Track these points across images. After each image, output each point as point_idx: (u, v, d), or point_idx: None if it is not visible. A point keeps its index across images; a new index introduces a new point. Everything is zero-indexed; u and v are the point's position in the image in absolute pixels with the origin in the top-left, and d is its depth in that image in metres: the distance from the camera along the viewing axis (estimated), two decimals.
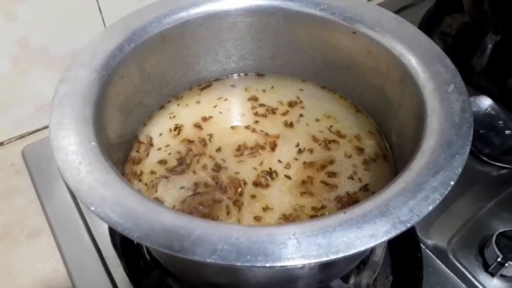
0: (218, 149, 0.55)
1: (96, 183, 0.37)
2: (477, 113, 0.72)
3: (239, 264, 0.32)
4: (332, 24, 0.54)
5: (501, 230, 0.55)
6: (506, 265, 0.53)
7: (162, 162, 0.53)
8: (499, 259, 0.53)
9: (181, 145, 0.55)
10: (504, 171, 0.67)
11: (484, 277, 0.55)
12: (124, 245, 0.56)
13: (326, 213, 0.48)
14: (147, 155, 0.54)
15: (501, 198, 0.63)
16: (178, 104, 0.60)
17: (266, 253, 0.32)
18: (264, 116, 0.59)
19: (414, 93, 0.46)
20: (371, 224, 0.34)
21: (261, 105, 0.60)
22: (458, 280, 0.55)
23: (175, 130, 0.57)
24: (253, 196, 0.50)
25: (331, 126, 0.57)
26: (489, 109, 0.72)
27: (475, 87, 0.76)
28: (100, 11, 0.68)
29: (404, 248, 0.56)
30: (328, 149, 0.55)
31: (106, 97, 0.47)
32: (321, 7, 0.54)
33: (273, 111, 0.59)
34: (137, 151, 0.55)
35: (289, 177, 0.52)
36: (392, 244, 0.57)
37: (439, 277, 0.55)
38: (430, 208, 0.35)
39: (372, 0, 0.96)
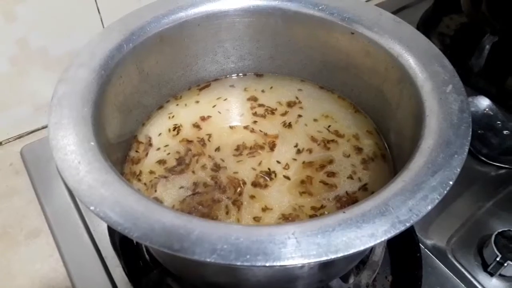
0: (217, 149, 0.55)
1: (95, 182, 0.37)
2: (475, 114, 0.72)
3: (238, 263, 0.32)
4: (331, 25, 0.54)
5: (500, 230, 0.55)
6: (505, 264, 0.53)
7: (161, 162, 0.53)
8: (498, 259, 0.53)
9: (180, 145, 0.55)
10: (503, 171, 0.67)
11: (483, 277, 0.55)
12: (124, 244, 0.56)
13: (326, 212, 0.48)
14: (146, 155, 0.54)
15: (500, 198, 0.63)
16: (177, 104, 0.60)
17: (266, 253, 0.32)
18: (263, 116, 0.59)
19: (412, 93, 0.47)
20: (370, 223, 0.34)
21: (260, 105, 0.60)
22: (457, 280, 0.55)
23: (174, 130, 0.57)
24: (252, 197, 0.50)
25: (329, 126, 0.57)
26: (487, 109, 0.73)
27: (473, 87, 0.76)
28: (99, 12, 0.68)
29: (403, 248, 0.56)
30: (327, 149, 0.55)
31: (105, 97, 0.47)
32: (320, 7, 0.54)
33: (272, 111, 0.59)
34: (136, 151, 0.55)
35: (288, 178, 0.52)
36: (392, 244, 0.57)
37: (438, 277, 0.55)
38: (429, 207, 0.35)
39: (370, 0, 0.96)
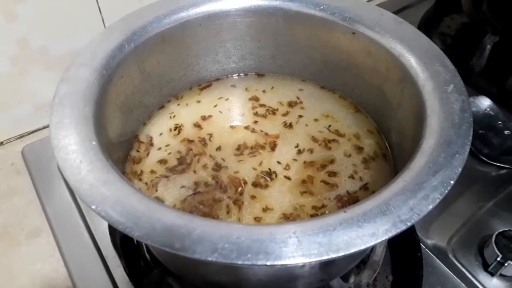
0: (218, 148, 0.55)
1: (96, 182, 0.37)
2: (476, 114, 0.72)
3: (240, 262, 0.32)
4: (332, 25, 0.54)
5: (500, 230, 0.55)
6: (506, 264, 0.53)
7: (162, 161, 0.53)
8: (498, 259, 0.54)
9: (181, 144, 0.55)
10: (503, 171, 0.67)
11: (483, 277, 0.55)
12: (124, 244, 0.56)
13: (327, 212, 0.48)
14: (147, 154, 0.54)
15: (501, 198, 0.63)
16: (178, 104, 0.60)
17: (267, 252, 0.32)
18: (264, 116, 0.59)
19: (413, 93, 0.47)
20: (371, 223, 0.34)
21: (262, 105, 0.60)
22: (458, 280, 0.55)
23: (175, 129, 0.57)
24: (253, 197, 0.50)
25: (329, 126, 0.57)
26: (488, 109, 0.73)
27: (474, 87, 0.76)
28: (100, 11, 0.68)
29: (404, 248, 0.56)
30: (328, 149, 0.55)
31: (106, 96, 0.47)
32: (321, 7, 0.54)
33: (273, 111, 0.59)
34: (137, 151, 0.55)
35: (288, 178, 0.52)
36: (392, 244, 0.57)
37: (439, 276, 0.55)
38: (430, 207, 0.35)
39: (372, 0, 0.96)
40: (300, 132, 0.57)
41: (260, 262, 0.32)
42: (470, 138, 0.40)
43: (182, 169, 0.53)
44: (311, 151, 0.55)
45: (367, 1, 0.89)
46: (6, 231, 0.62)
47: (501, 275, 0.55)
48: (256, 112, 0.59)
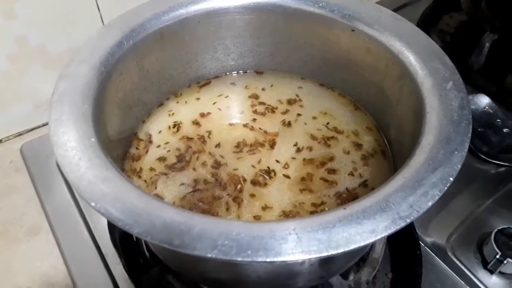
0: (217, 145, 0.55)
1: (96, 179, 0.37)
2: (475, 111, 0.72)
3: (239, 259, 0.32)
4: (331, 22, 0.54)
5: (499, 228, 0.56)
6: (505, 262, 0.53)
7: (162, 159, 0.53)
8: (497, 256, 0.54)
9: (180, 142, 0.55)
10: (502, 169, 0.67)
11: (483, 274, 0.55)
12: (124, 242, 0.56)
13: (326, 209, 0.48)
14: (147, 152, 0.54)
15: (499, 195, 0.64)
16: (177, 102, 0.60)
17: (267, 248, 0.32)
18: (263, 114, 0.59)
19: (412, 90, 0.47)
20: (371, 219, 0.34)
21: (261, 103, 0.60)
22: (457, 277, 0.55)
23: (174, 127, 0.57)
24: (252, 195, 0.50)
25: (328, 123, 0.57)
26: (487, 107, 0.73)
27: (473, 85, 0.76)
28: (99, 9, 0.68)
29: (403, 246, 0.56)
30: (327, 146, 0.55)
31: (105, 94, 0.47)
32: (320, 4, 0.54)
33: (273, 110, 0.59)
34: (137, 148, 0.55)
35: (287, 176, 0.52)
36: (392, 242, 0.58)
37: (438, 274, 0.55)
38: (430, 204, 0.35)
39: None
40: (299, 131, 0.57)
41: (259, 259, 0.32)
42: (469, 135, 0.40)
43: (181, 166, 0.53)
44: (310, 149, 0.55)
45: None
46: (5, 228, 0.62)
47: (500, 273, 0.55)
48: (255, 110, 0.59)
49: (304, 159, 0.53)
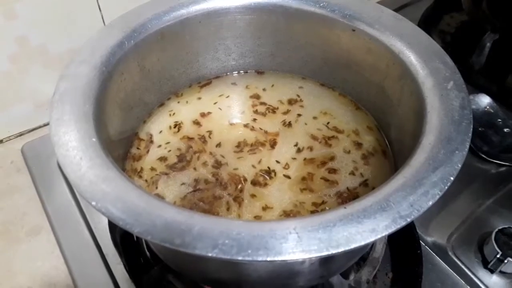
0: (218, 145, 0.55)
1: (97, 178, 0.37)
2: (476, 111, 0.72)
3: (240, 258, 0.32)
4: (332, 22, 0.54)
5: (500, 227, 0.56)
6: (505, 261, 0.53)
7: (162, 159, 0.53)
8: (498, 256, 0.54)
9: (181, 142, 0.55)
10: (503, 168, 0.67)
11: (483, 274, 0.55)
12: (124, 241, 0.56)
13: (327, 208, 0.48)
14: (147, 152, 0.54)
15: (500, 195, 0.64)
16: (178, 102, 0.60)
17: (267, 248, 0.32)
18: (263, 115, 0.59)
19: (413, 90, 0.47)
20: (371, 219, 0.34)
21: (262, 103, 0.60)
22: (458, 277, 0.55)
23: (175, 127, 0.57)
24: (253, 196, 0.50)
25: (328, 123, 0.57)
26: (487, 107, 0.73)
27: (473, 85, 0.76)
28: (100, 9, 0.68)
29: (404, 245, 0.56)
30: (328, 146, 0.55)
31: (106, 93, 0.47)
32: (321, 4, 0.54)
33: (273, 110, 0.59)
34: (137, 148, 0.55)
35: (288, 177, 0.52)
36: (392, 241, 0.58)
37: (439, 273, 0.55)
38: (430, 203, 0.35)
39: None
40: (299, 131, 0.57)
41: (260, 258, 0.32)
42: (470, 134, 0.40)
43: (182, 166, 0.53)
44: (310, 148, 0.55)
45: None
46: (6, 229, 0.62)
47: (501, 272, 0.55)
48: (256, 110, 0.59)
49: (304, 159, 0.53)
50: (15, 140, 0.73)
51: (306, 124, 0.57)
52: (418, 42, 0.49)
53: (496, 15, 0.77)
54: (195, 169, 0.52)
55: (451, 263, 0.56)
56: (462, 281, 0.55)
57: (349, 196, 0.49)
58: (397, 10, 0.90)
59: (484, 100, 0.73)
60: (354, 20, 0.53)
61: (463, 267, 0.56)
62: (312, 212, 0.48)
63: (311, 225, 0.34)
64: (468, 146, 0.39)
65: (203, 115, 0.58)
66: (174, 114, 0.58)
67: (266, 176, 0.52)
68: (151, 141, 0.55)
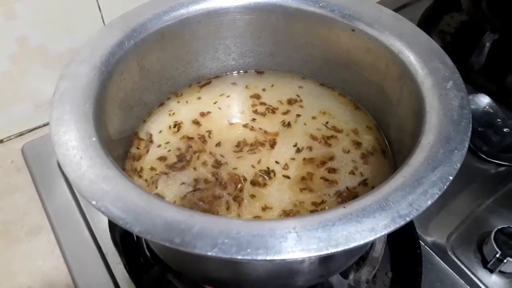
0: (218, 144, 0.55)
1: (97, 177, 0.37)
2: (476, 111, 0.72)
3: (239, 257, 0.32)
4: (331, 22, 0.54)
5: (499, 227, 0.56)
6: (505, 261, 0.53)
7: (162, 158, 0.54)
8: (497, 256, 0.54)
9: (181, 142, 0.55)
10: (502, 168, 0.67)
11: (483, 273, 0.55)
12: (124, 241, 0.56)
13: (326, 208, 0.48)
14: (147, 151, 0.54)
15: (500, 195, 0.64)
16: (178, 102, 0.60)
17: (267, 247, 0.32)
18: (263, 115, 0.59)
19: (413, 90, 0.47)
20: (370, 218, 0.34)
21: (262, 103, 0.60)
22: (457, 277, 0.55)
23: (174, 127, 0.57)
24: (252, 196, 0.50)
25: (327, 123, 0.57)
26: (487, 107, 0.73)
27: (473, 85, 0.76)
28: (100, 9, 0.68)
29: (403, 245, 0.56)
30: (328, 146, 0.55)
31: (106, 93, 0.47)
32: (320, 4, 0.55)
33: (273, 110, 0.59)
34: (137, 148, 0.55)
35: (287, 177, 0.52)
36: (392, 241, 0.58)
37: (438, 273, 0.55)
38: (429, 202, 0.35)
39: None
40: (299, 131, 0.57)
41: (259, 257, 0.32)
42: (469, 134, 0.40)
43: (182, 166, 0.53)
44: (310, 148, 0.55)
45: None
46: (6, 228, 0.62)
47: (500, 272, 0.55)
48: (256, 110, 0.59)
49: (304, 159, 0.53)
50: (15, 140, 0.74)
51: (305, 124, 0.57)
52: (417, 42, 0.49)
53: (496, 15, 0.77)
54: (195, 168, 0.52)
55: (451, 262, 0.56)
56: (462, 281, 0.55)
57: (348, 196, 0.49)
58: (397, 10, 0.90)
59: (484, 100, 0.73)
60: (354, 20, 0.53)
61: (462, 266, 0.56)
62: (312, 211, 0.48)
63: (311, 224, 0.34)
64: (467, 146, 0.39)
65: (202, 114, 0.58)
66: (174, 113, 0.58)
67: (266, 177, 0.52)
68: (151, 141, 0.55)
